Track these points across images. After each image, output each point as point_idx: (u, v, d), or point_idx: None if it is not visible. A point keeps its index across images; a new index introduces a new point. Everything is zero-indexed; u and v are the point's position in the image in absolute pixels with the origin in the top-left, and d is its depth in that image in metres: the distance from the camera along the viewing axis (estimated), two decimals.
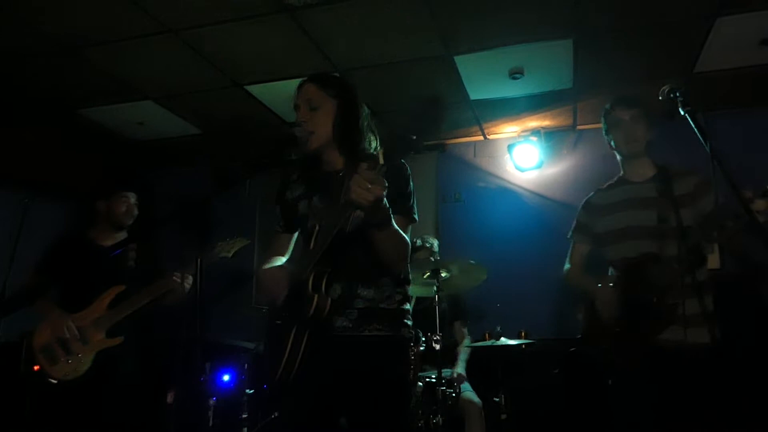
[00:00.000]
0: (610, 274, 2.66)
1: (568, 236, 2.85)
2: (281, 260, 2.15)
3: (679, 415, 2.26)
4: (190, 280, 3.15)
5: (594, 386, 3.75)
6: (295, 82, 2.16)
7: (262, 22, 3.47)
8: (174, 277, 3.15)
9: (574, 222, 2.82)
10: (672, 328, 2.30)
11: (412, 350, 2.09)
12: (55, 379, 3.04)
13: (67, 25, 3.48)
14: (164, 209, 5.53)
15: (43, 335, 3.09)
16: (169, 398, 4.32)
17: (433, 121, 1.67)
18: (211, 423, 3.86)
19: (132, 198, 3.45)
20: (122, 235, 3.45)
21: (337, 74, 3.94)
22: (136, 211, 3.45)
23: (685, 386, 2.26)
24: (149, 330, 3.52)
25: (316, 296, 1.86)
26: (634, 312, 2.41)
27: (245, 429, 3.72)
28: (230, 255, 3.17)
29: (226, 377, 4.20)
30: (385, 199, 1.69)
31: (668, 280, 2.32)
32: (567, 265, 2.84)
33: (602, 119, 2.68)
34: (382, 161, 1.64)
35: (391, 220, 1.79)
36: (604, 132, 2.68)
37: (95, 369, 3.09)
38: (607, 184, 2.74)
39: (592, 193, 2.78)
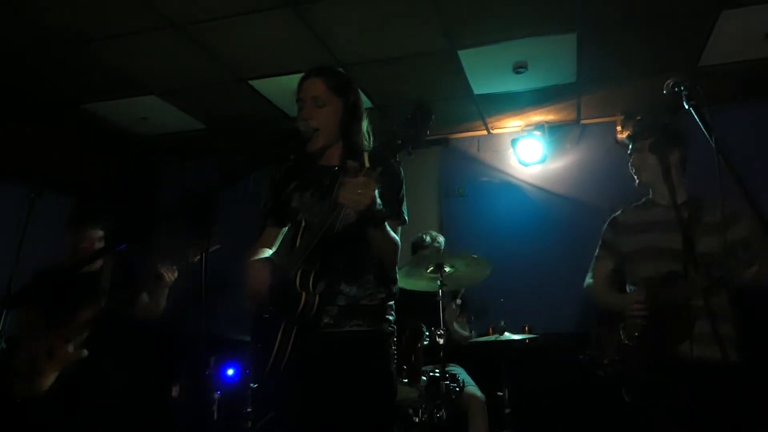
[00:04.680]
0: (629, 292, 2.67)
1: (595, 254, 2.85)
2: (268, 252, 2.16)
3: (706, 427, 2.26)
4: (162, 296, 3.20)
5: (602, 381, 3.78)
6: (299, 77, 2.15)
7: (265, 16, 3.47)
8: (146, 288, 3.19)
9: (600, 239, 2.82)
10: (698, 346, 2.29)
11: (394, 344, 2.11)
12: (18, 397, 3.01)
13: (71, 19, 3.48)
14: (168, 204, 5.56)
15: (17, 355, 3.09)
16: (174, 392, 4.34)
17: (419, 130, 1.69)
18: (215, 417, 3.88)
19: (97, 234, 3.49)
20: (97, 264, 3.47)
21: (341, 69, 3.95)
22: (99, 245, 3.49)
23: (712, 400, 2.26)
24: (139, 345, 3.52)
25: (304, 294, 1.87)
26: (655, 327, 2.41)
27: (249, 423, 3.73)
28: (197, 258, 3.20)
29: (230, 371, 4.23)
30: (378, 199, 1.74)
31: (690, 299, 2.32)
32: (589, 280, 2.83)
33: (627, 142, 2.69)
34: (367, 164, 1.69)
35: (385, 219, 1.84)
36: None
37: (62, 384, 3.05)
38: (635, 204, 2.74)
39: (618, 211, 2.78)
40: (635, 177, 2.67)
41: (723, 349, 2.19)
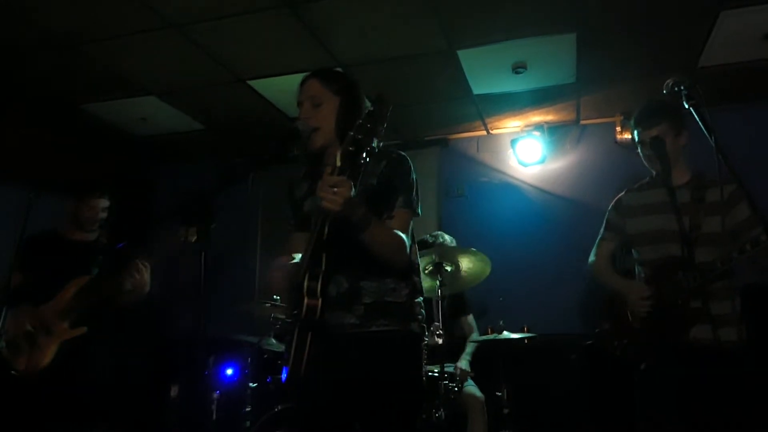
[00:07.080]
0: (637, 273, 2.68)
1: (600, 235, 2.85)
2: (297, 258, 2.09)
3: (708, 412, 2.27)
4: (147, 272, 3.18)
5: (602, 380, 3.79)
6: (298, 77, 2.16)
7: (264, 17, 3.46)
8: (136, 269, 3.16)
9: (605, 220, 2.82)
10: (700, 328, 2.31)
11: (425, 347, 2.04)
12: (16, 371, 3.03)
13: (70, 20, 3.48)
14: (167, 205, 5.56)
15: (9, 329, 3.09)
16: (173, 392, 4.35)
17: (377, 120, 1.67)
18: (214, 416, 3.88)
19: (102, 203, 3.49)
20: (93, 235, 3.49)
21: (340, 69, 3.95)
22: (102, 216, 3.49)
23: (715, 383, 2.27)
24: (126, 324, 3.51)
25: (305, 299, 1.80)
26: (659, 312, 2.43)
27: (248, 422, 3.73)
28: (194, 239, 3.17)
29: (229, 371, 4.22)
30: (353, 198, 1.68)
31: (695, 284, 2.32)
32: (592, 258, 2.84)
33: (631, 131, 2.66)
34: (339, 163, 1.65)
35: (369, 218, 1.77)
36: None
37: (60, 361, 3.08)
38: (639, 184, 2.72)
39: (622, 192, 2.76)
40: (650, 168, 2.62)
41: (722, 332, 2.22)
